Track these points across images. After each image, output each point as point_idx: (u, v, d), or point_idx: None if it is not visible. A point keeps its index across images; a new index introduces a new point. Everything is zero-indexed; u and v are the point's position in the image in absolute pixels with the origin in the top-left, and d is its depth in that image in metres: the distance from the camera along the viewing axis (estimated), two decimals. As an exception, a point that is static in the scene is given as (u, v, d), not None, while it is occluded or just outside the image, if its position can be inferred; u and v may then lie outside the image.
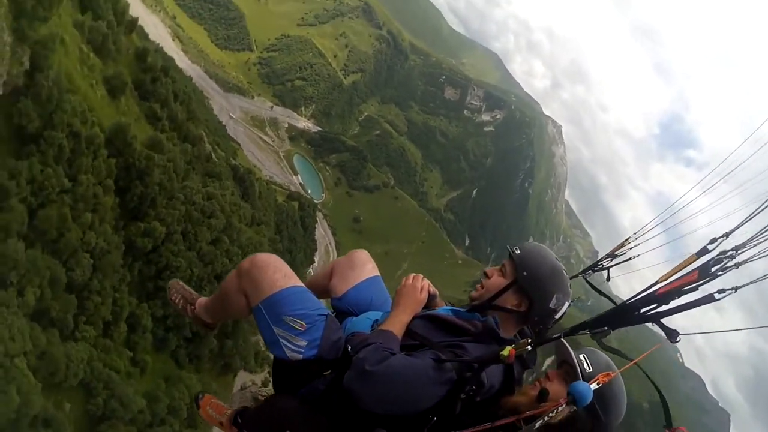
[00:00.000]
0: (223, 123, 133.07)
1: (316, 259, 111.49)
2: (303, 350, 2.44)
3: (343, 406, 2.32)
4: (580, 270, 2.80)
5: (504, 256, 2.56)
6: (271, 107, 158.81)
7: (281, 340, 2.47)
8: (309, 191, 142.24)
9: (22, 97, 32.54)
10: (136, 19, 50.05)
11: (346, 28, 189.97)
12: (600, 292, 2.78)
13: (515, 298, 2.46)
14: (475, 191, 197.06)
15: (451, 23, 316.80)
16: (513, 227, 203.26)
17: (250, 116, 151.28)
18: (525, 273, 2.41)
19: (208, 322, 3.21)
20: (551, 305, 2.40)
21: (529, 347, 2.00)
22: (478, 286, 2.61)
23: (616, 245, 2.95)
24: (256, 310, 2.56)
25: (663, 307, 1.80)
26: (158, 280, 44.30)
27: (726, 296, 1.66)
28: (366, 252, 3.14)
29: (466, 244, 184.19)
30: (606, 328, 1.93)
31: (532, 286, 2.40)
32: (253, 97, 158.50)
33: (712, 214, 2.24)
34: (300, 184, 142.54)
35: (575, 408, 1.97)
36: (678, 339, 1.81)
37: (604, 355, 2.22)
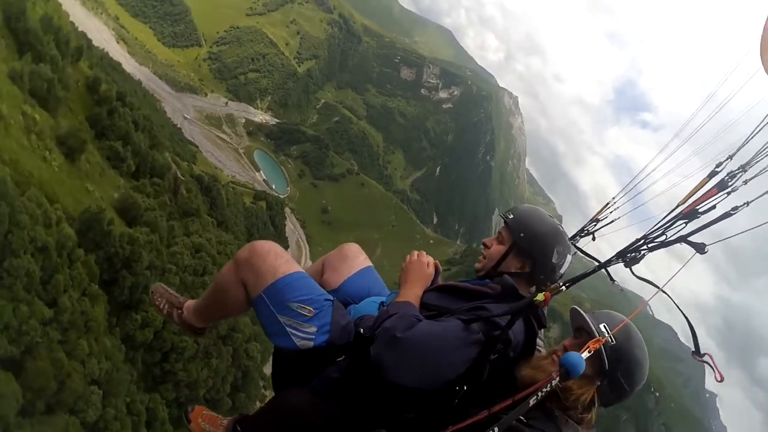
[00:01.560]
0: (178, 126, 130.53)
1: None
2: (313, 336, 2.34)
3: (361, 392, 2.26)
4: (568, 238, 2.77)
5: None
6: (226, 103, 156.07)
7: (288, 328, 2.35)
8: (273, 186, 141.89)
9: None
10: (82, 47, 46.26)
11: (297, 15, 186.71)
12: (588, 255, 2.91)
13: (518, 261, 2.49)
14: (438, 169, 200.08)
15: (402, 2, 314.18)
16: (478, 201, 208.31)
17: (205, 115, 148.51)
18: (522, 234, 2.47)
19: (198, 326, 2.99)
20: (554, 260, 2.44)
21: (563, 288, 2.01)
22: (480, 257, 2.65)
23: (598, 210, 3.10)
24: (258, 300, 2.42)
25: (688, 228, 1.90)
26: (164, 364, 40.40)
27: (741, 210, 1.79)
28: (357, 245, 3.10)
29: (435, 222, 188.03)
30: (637, 254, 1.99)
31: (532, 245, 2.45)
32: (206, 95, 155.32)
33: (678, 174, 2.43)
34: (264, 180, 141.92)
35: (598, 383, 2.03)
36: (706, 250, 1.85)
37: (621, 318, 2.12)
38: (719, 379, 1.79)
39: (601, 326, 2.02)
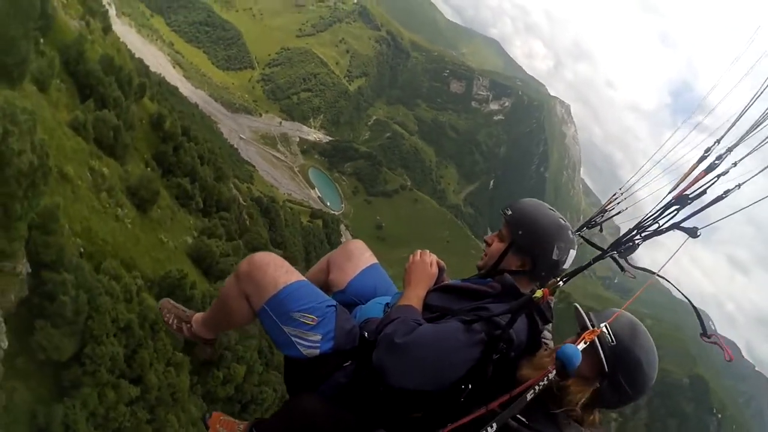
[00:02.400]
0: (235, 146, 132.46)
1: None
2: (319, 345, 2.33)
3: (368, 395, 2.24)
4: (576, 228, 2.62)
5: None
6: (280, 123, 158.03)
7: (293, 338, 2.36)
8: (328, 203, 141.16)
9: (38, 321, 19.14)
10: (144, 84, 44.31)
11: (345, 34, 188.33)
12: (595, 245, 2.54)
13: (517, 259, 2.40)
14: (492, 182, 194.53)
15: (447, 14, 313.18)
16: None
17: (260, 135, 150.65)
18: (520, 232, 2.38)
19: (207, 338, 3.00)
20: (554, 257, 2.33)
21: (561, 283, 1.93)
22: (483, 255, 2.56)
23: (605, 201, 2.97)
24: (262, 312, 2.43)
25: (680, 216, 1.87)
26: (243, 414, 35.77)
27: (733, 192, 1.77)
28: (361, 241, 3.01)
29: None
30: (632, 243, 1.93)
31: (530, 243, 2.36)
32: (260, 115, 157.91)
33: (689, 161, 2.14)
34: (318, 197, 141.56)
35: (598, 384, 1.96)
36: (699, 234, 1.82)
37: (628, 318, 2.04)
38: (728, 358, 1.77)
39: (603, 326, 1.95)
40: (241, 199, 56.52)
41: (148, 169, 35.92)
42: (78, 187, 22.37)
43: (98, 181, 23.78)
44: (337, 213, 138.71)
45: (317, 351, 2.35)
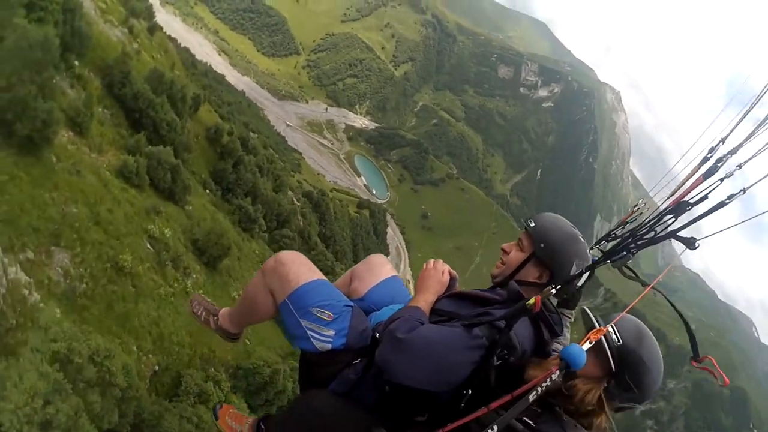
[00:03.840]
0: (282, 133, 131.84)
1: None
2: (331, 340, 2.42)
3: (375, 393, 2.30)
4: (593, 242, 2.60)
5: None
6: (326, 109, 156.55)
7: (309, 332, 2.45)
8: (374, 191, 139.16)
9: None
10: (199, 96, 38.55)
11: (390, 18, 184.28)
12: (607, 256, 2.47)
13: (536, 271, 2.45)
14: (539, 172, 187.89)
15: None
16: (580, 206, 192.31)
17: (306, 122, 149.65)
18: (542, 245, 2.43)
19: (232, 332, 3.16)
20: (571, 273, 2.38)
21: (553, 290, 1.96)
22: (498, 263, 2.59)
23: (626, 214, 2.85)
24: (283, 305, 2.54)
25: (677, 224, 1.83)
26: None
27: (735, 199, 1.69)
28: (383, 255, 3.18)
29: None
30: (625, 253, 1.92)
31: (551, 257, 2.41)
32: (307, 102, 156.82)
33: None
34: (364, 185, 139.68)
35: (605, 384, 1.98)
36: (697, 245, 1.78)
37: (634, 321, 2.08)
38: (722, 383, 1.74)
39: (609, 327, 2.01)
40: (294, 199, 54.60)
41: (207, 192, 31.26)
42: (139, 276, 15.84)
43: (162, 254, 17.71)
44: (382, 201, 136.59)
45: (329, 346, 2.42)
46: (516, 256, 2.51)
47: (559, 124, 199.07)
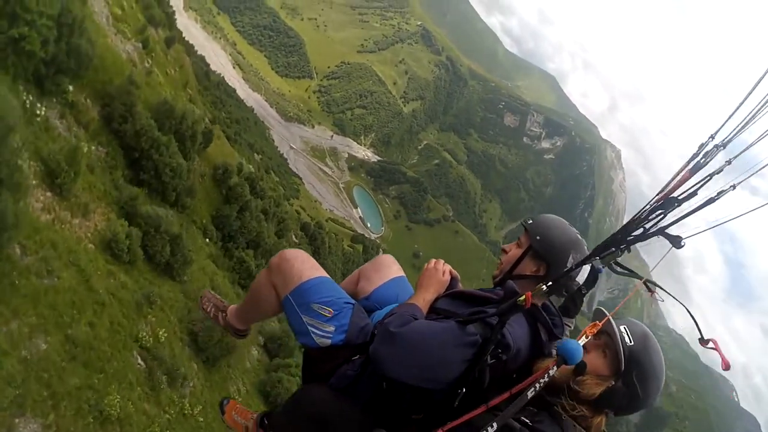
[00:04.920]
0: (284, 155, 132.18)
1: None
2: (331, 335, 2.46)
3: (372, 390, 2.31)
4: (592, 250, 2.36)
5: None
6: (331, 136, 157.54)
7: (310, 327, 2.49)
8: (369, 225, 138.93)
9: None
10: (210, 131, 36.49)
11: (406, 55, 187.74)
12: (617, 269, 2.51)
13: (533, 264, 2.47)
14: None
15: (506, 44, 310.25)
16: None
17: (310, 146, 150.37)
18: (538, 237, 2.47)
19: (240, 328, 3.24)
20: (568, 265, 2.39)
21: (544, 287, 1.98)
22: (498, 263, 2.63)
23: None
24: (286, 301, 2.59)
25: (667, 220, 1.83)
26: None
27: (726, 194, 1.69)
28: (391, 256, 3.15)
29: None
30: (614, 249, 1.93)
31: (547, 248, 2.44)
32: (313, 126, 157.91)
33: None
34: (360, 217, 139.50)
35: (613, 383, 2.01)
36: (683, 244, 1.80)
37: (641, 325, 2.13)
38: (725, 367, 1.75)
39: (622, 327, 2.06)
40: (294, 238, 53.42)
41: (207, 241, 28.85)
42: (129, 418, 11.82)
43: (155, 373, 12.78)
44: (376, 236, 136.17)
45: (329, 341, 2.45)
46: (514, 252, 2.55)
47: (559, 177, 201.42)
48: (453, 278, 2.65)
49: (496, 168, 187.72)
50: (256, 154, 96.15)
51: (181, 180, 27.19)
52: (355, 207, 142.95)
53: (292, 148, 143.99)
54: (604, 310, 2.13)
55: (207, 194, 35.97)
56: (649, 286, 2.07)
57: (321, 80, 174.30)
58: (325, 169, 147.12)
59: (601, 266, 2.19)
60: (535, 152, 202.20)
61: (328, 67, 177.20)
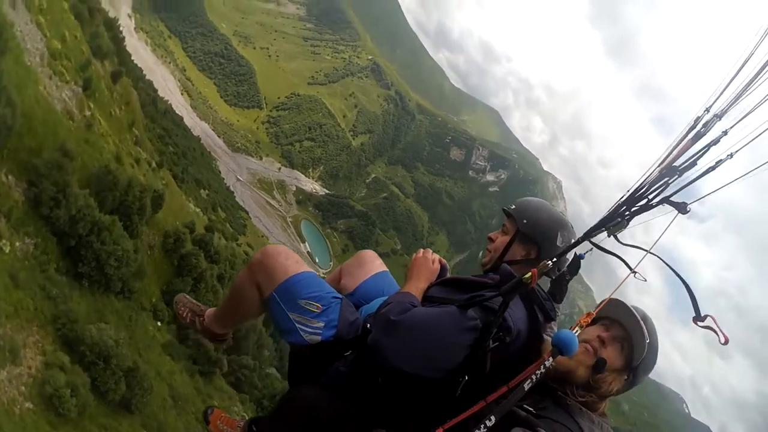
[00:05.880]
0: (231, 188, 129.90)
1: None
2: (321, 331, 2.37)
3: (367, 386, 2.22)
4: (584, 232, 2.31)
5: None
6: (279, 169, 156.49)
7: (298, 325, 2.39)
8: (317, 260, 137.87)
9: None
10: (162, 194, 33.00)
11: (356, 88, 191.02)
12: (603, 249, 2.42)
13: (523, 248, 2.47)
14: (481, 253, 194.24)
15: (452, 79, 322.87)
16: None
17: (257, 178, 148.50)
18: (525, 221, 2.47)
19: (218, 332, 3.08)
20: (559, 244, 2.41)
21: (549, 263, 1.93)
22: (486, 251, 2.61)
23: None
24: (270, 299, 2.48)
25: (670, 190, 1.84)
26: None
27: (725, 161, 1.70)
28: (373, 252, 3.12)
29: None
30: (620, 219, 1.90)
31: (536, 230, 2.45)
32: (261, 158, 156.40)
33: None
34: (308, 252, 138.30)
35: (626, 376, 1.98)
36: (688, 209, 1.79)
37: (640, 309, 2.08)
38: (723, 341, 1.68)
39: (641, 321, 2.00)
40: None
41: (158, 324, 24.80)
42: None
43: None
44: (324, 271, 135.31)
45: (319, 338, 2.36)
46: (502, 239, 2.56)
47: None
48: (442, 267, 2.66)
49: (443, 201, 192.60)
50: (202, 190, 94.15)
51: (128, 267, 22.79)
52: (303, 242, 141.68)
53: (239, 180, 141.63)
54: (623, 301, 2.08)
55: (156, 268, 30.03)
56: (635, 270, 2.00)
57: (270, 111, 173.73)
58: (273, 202, 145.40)
59: (582, 254, 2.19)
60: (481, 185, 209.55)
61: (278, 98, 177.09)
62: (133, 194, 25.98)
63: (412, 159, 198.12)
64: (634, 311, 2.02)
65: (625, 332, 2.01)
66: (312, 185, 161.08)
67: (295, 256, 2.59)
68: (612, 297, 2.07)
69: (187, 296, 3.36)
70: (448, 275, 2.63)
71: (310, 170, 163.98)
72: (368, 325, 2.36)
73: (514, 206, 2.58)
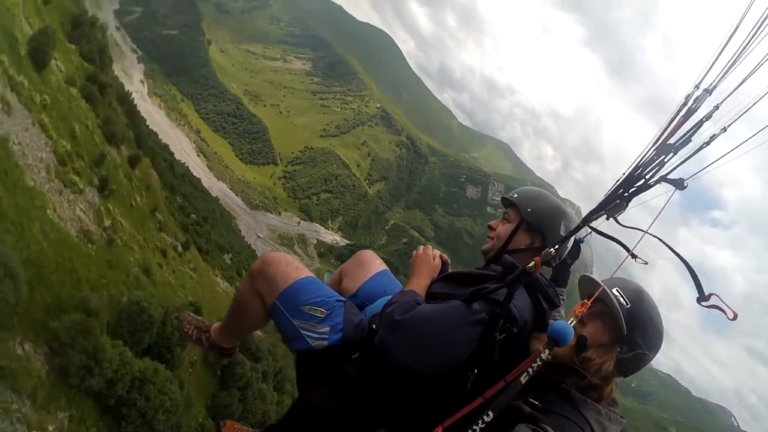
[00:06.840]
0: (252, 246, 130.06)
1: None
2: (327, 336, 2.36)
3: (375, 387, 2.22)
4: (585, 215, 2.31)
5: None
6: (298, 223, 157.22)
7: (303, 331, 2.37)
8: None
9: None
10: (197, 305, 31.25)
11: (367, 137, 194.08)
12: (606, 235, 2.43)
13: (527, 237, 2.48)
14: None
15: (459, 118, 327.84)
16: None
17: (277, 234, 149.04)
18: (529, 210, 2.49)
19: (225, 346, 3.08)
20: (562, 233, 2.43)
21: (552, 251, 1.94)
22: (488, 239, 2.59)
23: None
24: (273, 307, 2.45)
25: (665, 169, 1.85)
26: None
27: (719, 136, 1.73)
28: (372, 251, 3.10)
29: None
30: (619, 201, 1.91)
31: (539, 219, 2.47)
32: (279, 213, 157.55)
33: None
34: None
35: (618, 349, 1.95)
36: (685, 185, 1.80)
37: (630, 281, 2.07)
38: (732, 317, 1.68)
39: (614, 290, 1.99)
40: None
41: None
42: None
43: None
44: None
45: (326, 342, 2.35)
46: (504, 228, 2.52)
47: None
48: (444, 262, 2.62)
49: (464, 240, 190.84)
50: (226, 255, 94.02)
51: (177, 414, 20.62)
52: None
53: (259, 237, 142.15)
54: (593, 277, 2.04)
55: (199, 384, 27.39)
56: (635, 253, 1.95)
57: (285, 166, 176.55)
58: (294, 257, 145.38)
59: (582, 238, 2.20)
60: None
61: (292, 153, 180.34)
62: (171, 324, 22.41)
63: (429, 201, 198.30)
64: (599, 282, 2.00)
65: (604, 305, 1.98)
66: (332, 237, 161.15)
67: (295, 262, 2.58)
68: (585, 275, 2.08)
69: (192, 314, 3.35)
70: (449, 269, 2.63)
71: (329, 222, 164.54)
72: (374, 326, 2.35)
73: (516, 195, 2.57)
